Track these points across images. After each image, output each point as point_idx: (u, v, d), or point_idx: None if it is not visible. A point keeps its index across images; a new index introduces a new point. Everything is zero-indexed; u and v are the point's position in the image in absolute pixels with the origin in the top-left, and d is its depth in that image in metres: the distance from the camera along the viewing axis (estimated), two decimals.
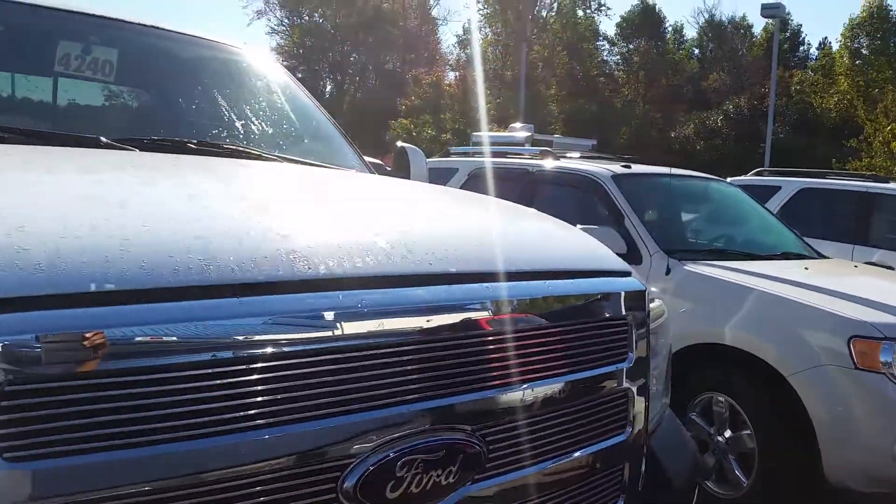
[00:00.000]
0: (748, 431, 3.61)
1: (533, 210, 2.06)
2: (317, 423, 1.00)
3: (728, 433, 3.74)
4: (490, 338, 1.21)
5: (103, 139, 2.04)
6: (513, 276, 1.29)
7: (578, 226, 4.29)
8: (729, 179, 8.63)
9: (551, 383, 1.29)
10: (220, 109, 2.81)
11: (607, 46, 43.52)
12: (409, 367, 1.10)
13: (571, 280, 1.37)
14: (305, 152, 2.78)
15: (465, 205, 1.95)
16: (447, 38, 76.51)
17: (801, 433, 3.38)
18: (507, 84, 41.57)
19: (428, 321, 1.12)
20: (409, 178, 3.19)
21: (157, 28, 2.73)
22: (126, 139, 2.16)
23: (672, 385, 4.00)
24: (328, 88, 48.09)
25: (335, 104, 46.62)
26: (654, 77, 38.83)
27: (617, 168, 4.92)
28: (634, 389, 1.49)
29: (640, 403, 1.51)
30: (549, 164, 5.29)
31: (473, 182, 5.87)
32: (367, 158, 3.19)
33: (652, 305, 1.89)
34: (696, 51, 43.99)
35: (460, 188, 5.88)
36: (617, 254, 4.20)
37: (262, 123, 2.84)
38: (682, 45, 44.26)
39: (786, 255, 4.59)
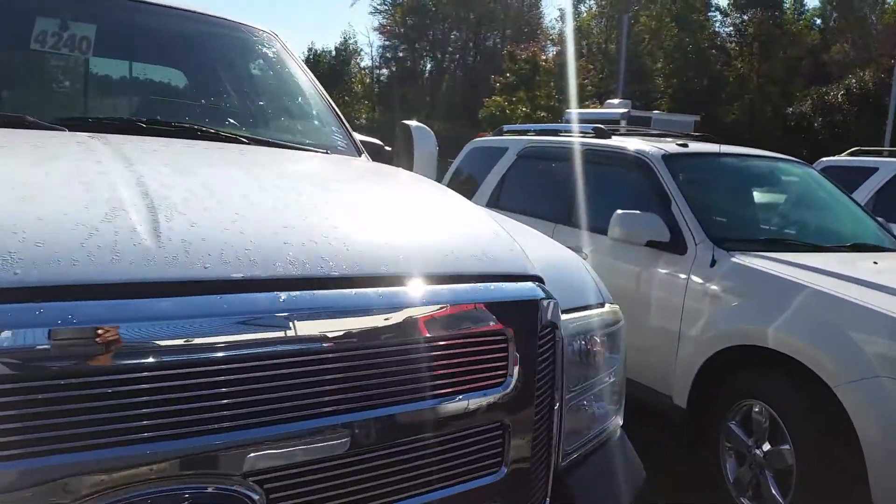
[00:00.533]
0: (788, 446, 3.21)
1: (441, 193, 1.79)
2: None
3: (767, 446, 3.34)
4: (288, 360, 0.99)
5: (29, 118, 1.95)
6: (332, 281, 1.06)
7: (619, 211, 4.04)
8: (823, 160, 7.90)
9: (375, 417, 1.06)
10: (195, 85, 2.70)
11: (719, 17, 41.21)
12: (155, 398, 0.90)
13: (428, 287, 1.13)
14: (282, 130, 2.63)
15: (358, 192, 1.70)
16: (551, 12, 74.66)
17: (847, 453, 2.96)
18: (610, 58, 40.26)
19: (175, 340, 0.91)
20: (412, 160, 2.99)
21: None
22: (65, 119, 2.07)
23: (711, 388, 3.68)
24: (428, 67, 48.16)
25: (435, 83, 46.64)
26: (770, 49, 36.52)
27: (671, 147, 4.51)
28: (522, 419, 1.23)
29: (528, 436, 1.25)
30: (599, 142, 4.92)
31: (522, 162, 5.59)
32: (362, 138, 3.00)
33: (600, 311, 1.62)
34: (818, 21, 40.90)
35: (508, 168, 5.62)
36: (657, 242, 3.93)
37: (240, 99, 2.70)
38: (803, 14, 41.28)
39: (857, 247, 4.06)
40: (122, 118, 2.19)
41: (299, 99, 2.84)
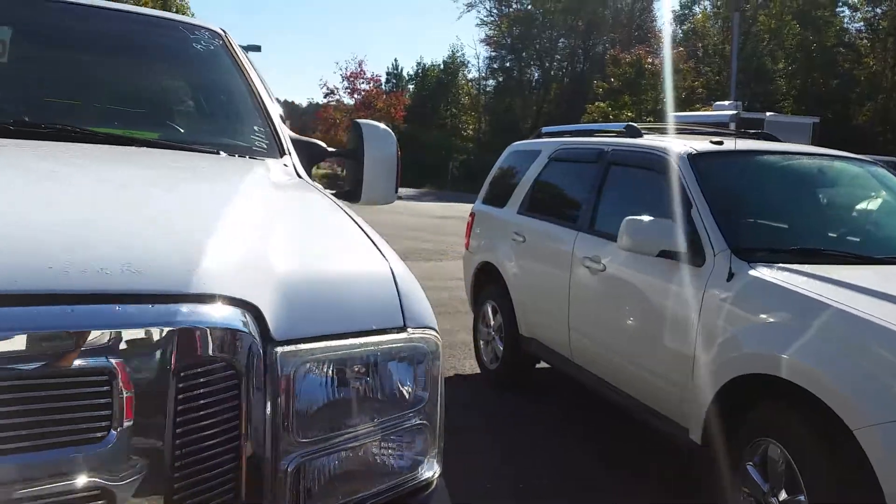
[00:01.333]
0: (803, 497, 2.67)
1: (227, 200, 1.50)
2: None
3: (783, 495, 2.80)
4: None
5: None
6: None
7: (628, 217, 3.58)
8: None
9: None
10: (104, 86, 2.55)
11: (848, 13, 38.28)
12: None
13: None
14: (183, 130, 2.44)
15: (130, 197, 1.44)
16: (664, 14, 72.14)
17: None
18: (726, 59, 38.30)
19: None
20: (362, 160, 2.73)
21: None
22: None
23: (728, 422, 3.15)
24: (535, 77, 47.67)
25: (541, 92, 46.09)
26: None
27: (701, 145, 3.99)
28: (144, 484, 0.93)
29: None
30: (626, 142, 4.46)
31: (553, 166, 5.19)
32: (298, 137, 2.76)
33: (385, 337, 1.28)
34: None
35: (540, 172, 5.25)
36: (672, 252, 3.44)
37: (149, 99, 2.54)
38: None
39: None
40: None
41: (222, 98, 2.65)
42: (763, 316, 3.02)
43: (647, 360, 3.72)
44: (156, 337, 0.97)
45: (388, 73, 53.52)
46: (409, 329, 1.32)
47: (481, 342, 5.84)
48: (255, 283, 1.14)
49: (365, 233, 1.59)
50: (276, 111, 2.72)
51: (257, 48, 34.46)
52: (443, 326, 5.97)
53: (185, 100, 2.61)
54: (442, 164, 40.79)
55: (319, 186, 2.41)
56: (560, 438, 4.53)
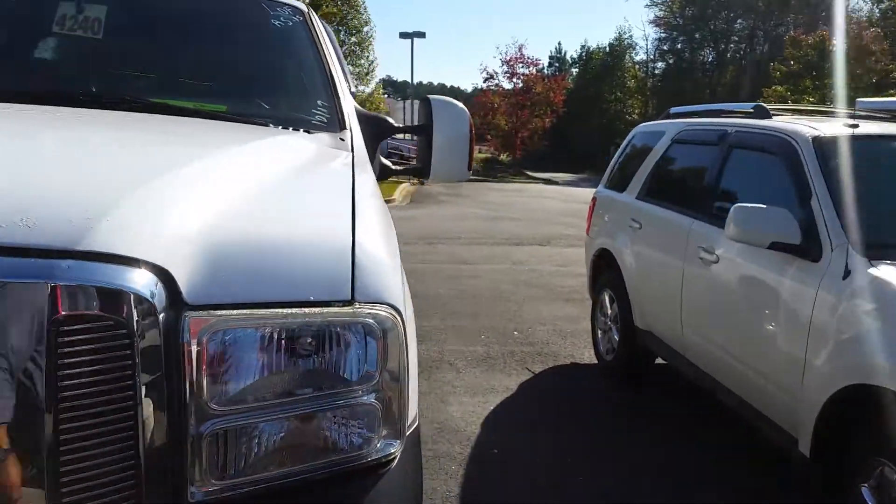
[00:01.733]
0: None
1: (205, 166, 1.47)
2: None
3: None
4: None
5: None
6: None
7: (737, 204, 3.25)
8: None
9: None
10: (174, 56, 2.65)
11: None
12: None
13: None
14: (241, 103, 2.50)
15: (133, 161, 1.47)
16: None
17: None
18: None
19: None
20: (430, 137, 2.68)
21: None
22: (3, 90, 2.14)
23: (843, 436, 2.78)
24: (709, 59, 45.05)
25: (715, 75, 43.54)
26: None
27: (830, 128, 3.54)
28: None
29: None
30: (752, 124, 4.05)
31: (675, 148, 4.85)
32: (367, 112, 2.75)
33: (331, 311, 1.22)
34: None
35: (662, 155, 4.94)
36: (785, 245, 3.08)
37: (216, 72, 2.62)
38: None
39: None
40: (61, 90, 2.21)
41: (292, 71, 2.70)
42: (879, 320, 2.63)
43: (758, 361, 3.38)
44: (34, 292, 0.97)
45: (550, 57, 52.92)
46: (357, 304, 1.24)
47: (598, 332, 5.61)
48: (171, 245, 1.11)
49: (353, 208, 1.51)
50: (345, 87, 2.72)
51: (422, 35, 35.33)
52: (569, 313, 5.77)
53: (256, 73, 2.66)
54: (602, 149, 39.74)
55: (370, 161, 2.38)
56: (648, 438, 4.25)
